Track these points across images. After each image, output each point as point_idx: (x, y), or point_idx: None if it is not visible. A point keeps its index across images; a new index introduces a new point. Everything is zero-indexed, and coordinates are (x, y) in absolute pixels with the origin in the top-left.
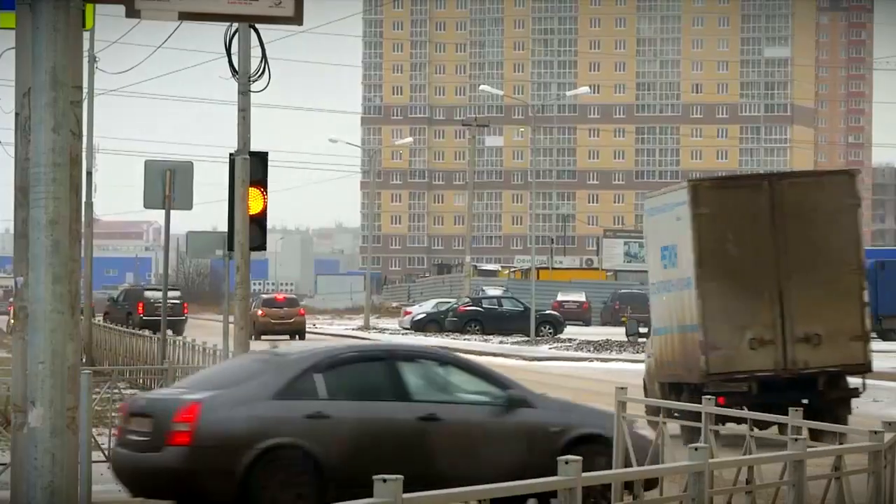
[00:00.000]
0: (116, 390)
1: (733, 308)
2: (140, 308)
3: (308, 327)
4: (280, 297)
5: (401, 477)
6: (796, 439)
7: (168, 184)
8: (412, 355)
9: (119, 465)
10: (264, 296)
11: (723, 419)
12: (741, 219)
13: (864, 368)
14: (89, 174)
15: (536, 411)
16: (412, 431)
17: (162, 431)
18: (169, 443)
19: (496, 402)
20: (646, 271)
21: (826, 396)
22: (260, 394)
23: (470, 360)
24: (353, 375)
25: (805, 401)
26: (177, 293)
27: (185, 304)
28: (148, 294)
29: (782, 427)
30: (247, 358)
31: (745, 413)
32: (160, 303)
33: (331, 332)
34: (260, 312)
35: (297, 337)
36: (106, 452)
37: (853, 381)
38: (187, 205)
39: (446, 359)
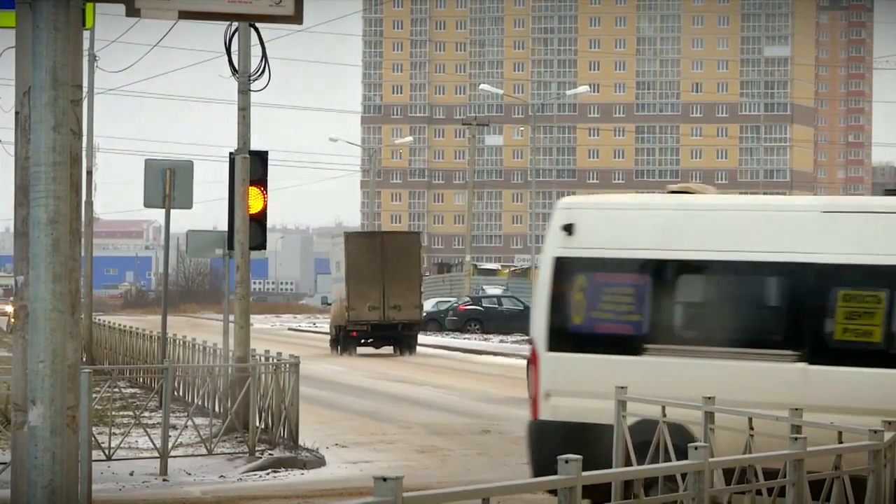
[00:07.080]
0: (116, 389)
1: (362, 291)
2: None
3: (309, 326)
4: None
5: (402, 476)
6: (796, 438)
7: (168, 183)
8: None
9: None
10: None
11: (357, 342)
12: (367, 251)
13: (419, 321)
14: (89, 173)
15: None
16: None
17: None
18: None
19: None
20: None
21: (402, 335)
22: None
23: None
24: None
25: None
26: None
27: None
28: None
29: (395, 348)
30: None
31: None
32: None
33: None
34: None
35: None
36: (106, 451)
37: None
38: (187, 204)
39: None
